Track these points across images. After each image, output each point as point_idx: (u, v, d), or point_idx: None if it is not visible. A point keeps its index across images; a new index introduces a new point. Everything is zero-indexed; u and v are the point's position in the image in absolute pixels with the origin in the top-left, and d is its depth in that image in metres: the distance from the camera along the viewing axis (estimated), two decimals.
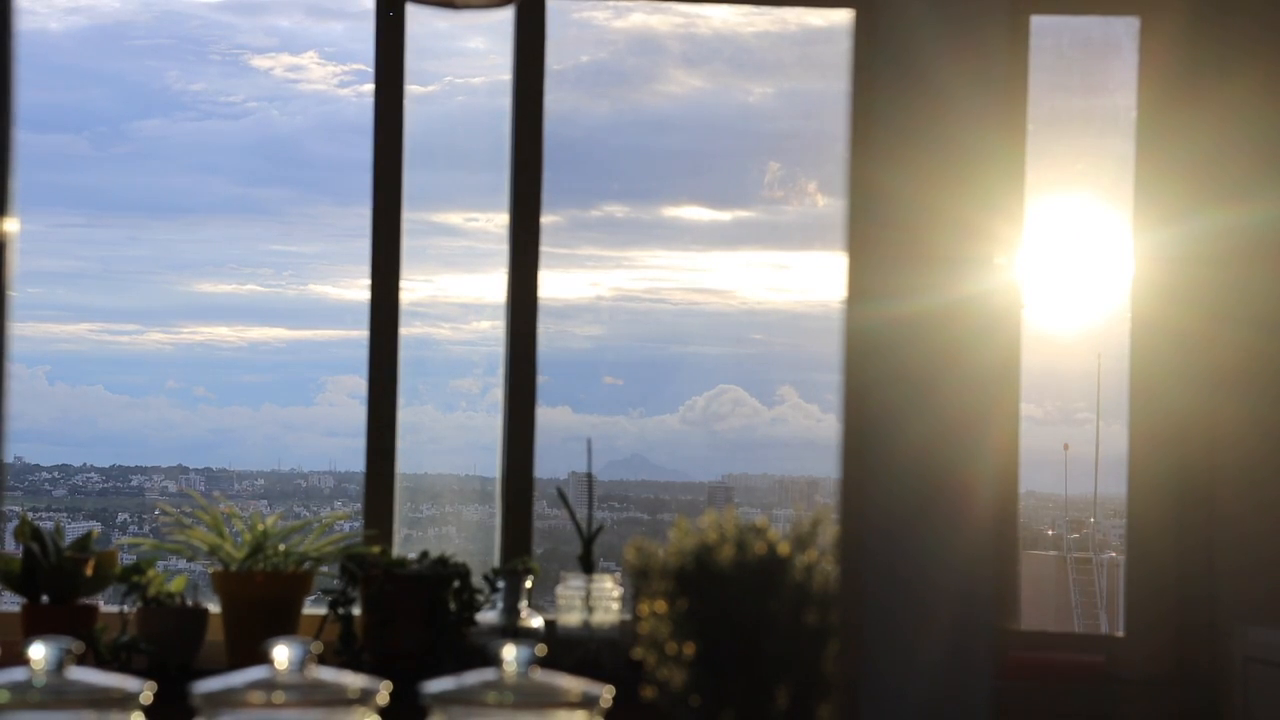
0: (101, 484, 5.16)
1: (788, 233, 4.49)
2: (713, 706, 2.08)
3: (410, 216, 4.06)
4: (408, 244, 4.05)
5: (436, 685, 1.61)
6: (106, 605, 3.79)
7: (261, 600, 3.72)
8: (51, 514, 4.87)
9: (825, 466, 4.33)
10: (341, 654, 3.68)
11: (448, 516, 4.30)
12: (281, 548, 3.79)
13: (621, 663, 3.63)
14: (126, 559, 3.85)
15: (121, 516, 5.12)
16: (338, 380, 4.81)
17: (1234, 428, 3.86)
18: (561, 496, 3.90)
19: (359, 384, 4.06)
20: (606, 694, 1.63)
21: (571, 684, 1.62)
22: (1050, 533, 5.20)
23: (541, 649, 1.64)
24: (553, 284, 4.09)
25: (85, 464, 5.15)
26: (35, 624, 3.65)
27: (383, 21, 4.04)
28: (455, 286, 4.30)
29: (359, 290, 4.08)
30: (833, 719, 2.02)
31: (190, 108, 4.98)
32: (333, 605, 3.73)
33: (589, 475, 3.94)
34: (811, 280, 4.53)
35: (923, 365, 1.65)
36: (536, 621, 3.76)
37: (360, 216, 4.06)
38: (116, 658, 3.60)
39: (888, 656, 1.62)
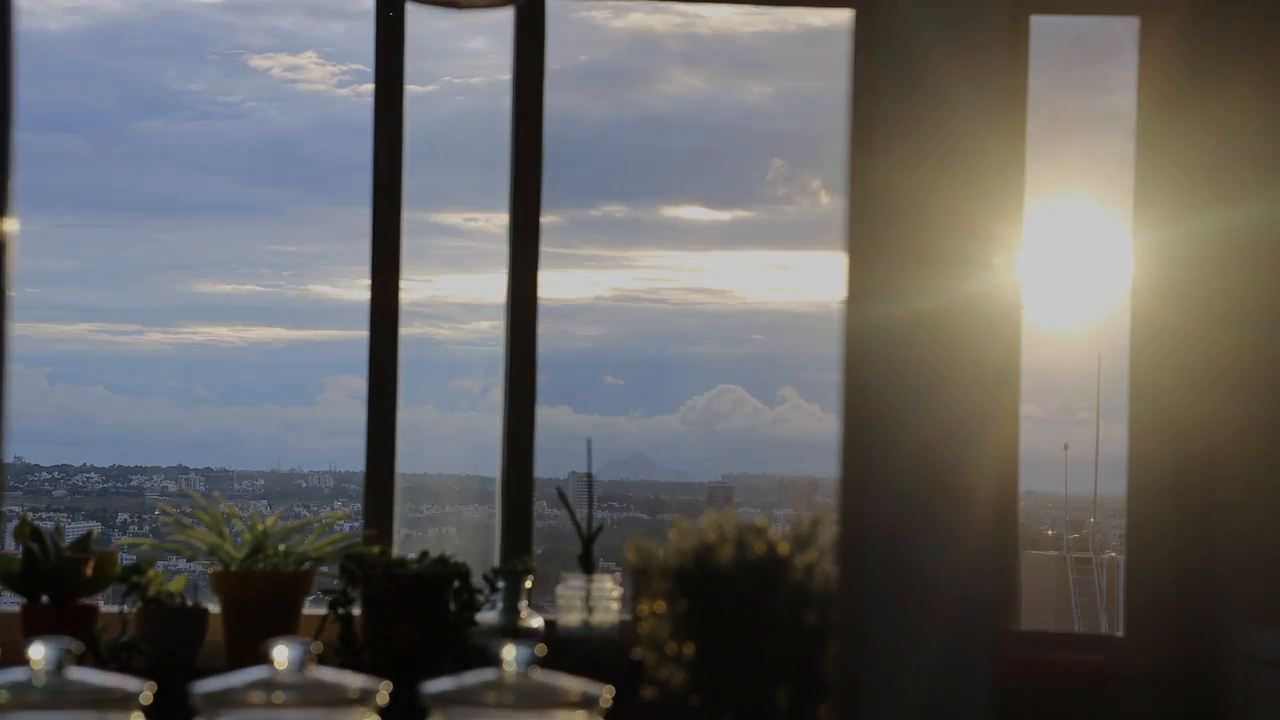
0: (101, 484, 5.16)
1: (788, 232, 4.50)
2: (713, 706, 2.08)
3: (410, 216, 4.06)
4: (408, 244, 4.04)
5: (436, 685, 1.61)
6: (106, 605, 3.79)
7: (261, 600, 3.72)
8: (51, 514, 4.87)
9: (825, 466, 4.33)
10: (341, 654, 3.68)
11: (448, 516, 4.30)
12: (281, 548, 3.79)
13: (621, 663, 3.63)
14: (126, 559, 3.84)
15: (121, 516, 5.12)
16: (338, 380, 4.81)
17: (1234, 427, 3.86)
18: (561, 496, 3.90)
19: (359, 384, 4.05)
20: (606, 694, 1.63)
21: (571, 684, 1.62)
22: (1050, 533, 5.21)
23: (541, 649, 1.64)
24: (553, 284, 4.09)
25: (85, 464, 5.15)
26: (35, 624, 3.65)
27: (383, 21, 4.04)
28: (455, 286, 4.30)
29: (359, 290, 4.08)
30: (832, 719, 2.02)
31: (190, 108, 4.98)
32: (333, 605, 3.73)
33: (589, 475, 3.93)
34: (811, 280, 4.53)
35: (923, 365, 1.65)
36: (536, 621, 3.76)
37: (360, 216, 4.06)
38: (116, 658, 3.60)
39: (888, 656, 1.62)
